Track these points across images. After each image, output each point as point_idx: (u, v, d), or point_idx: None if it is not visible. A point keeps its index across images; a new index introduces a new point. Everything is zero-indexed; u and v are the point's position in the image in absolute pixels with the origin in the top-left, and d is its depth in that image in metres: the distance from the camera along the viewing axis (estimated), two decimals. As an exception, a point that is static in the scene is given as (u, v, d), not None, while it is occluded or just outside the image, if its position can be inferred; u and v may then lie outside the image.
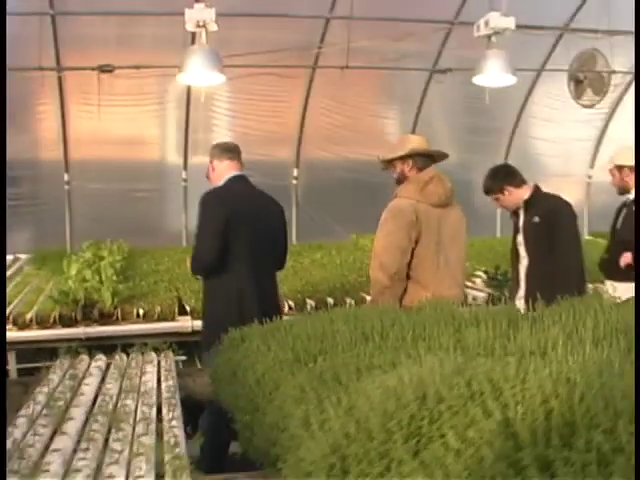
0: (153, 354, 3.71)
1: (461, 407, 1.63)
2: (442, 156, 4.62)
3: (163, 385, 3.09)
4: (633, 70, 9.43)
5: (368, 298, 5.79)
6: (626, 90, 10.26)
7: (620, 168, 5.64)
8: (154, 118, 9.39)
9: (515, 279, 5.41)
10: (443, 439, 1.56)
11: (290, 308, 5.66)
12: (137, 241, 8.22)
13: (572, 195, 8.70)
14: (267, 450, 2.23)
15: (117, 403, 2.82)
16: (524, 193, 5.19)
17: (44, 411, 2.70)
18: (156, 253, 7.68)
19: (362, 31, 8.32)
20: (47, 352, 5.32)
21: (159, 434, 2.44)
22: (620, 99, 10.38)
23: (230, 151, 4.60)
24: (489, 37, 6.99)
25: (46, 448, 2.29)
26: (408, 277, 4.33)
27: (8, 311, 5.32)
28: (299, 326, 3.17)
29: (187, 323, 5.25)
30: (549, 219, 5.05)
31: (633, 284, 5.20)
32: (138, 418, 2.58)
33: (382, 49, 8.72)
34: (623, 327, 2.54)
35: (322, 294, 5.88)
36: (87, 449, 2.24)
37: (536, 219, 5.12)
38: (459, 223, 4.55)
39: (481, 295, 6.00)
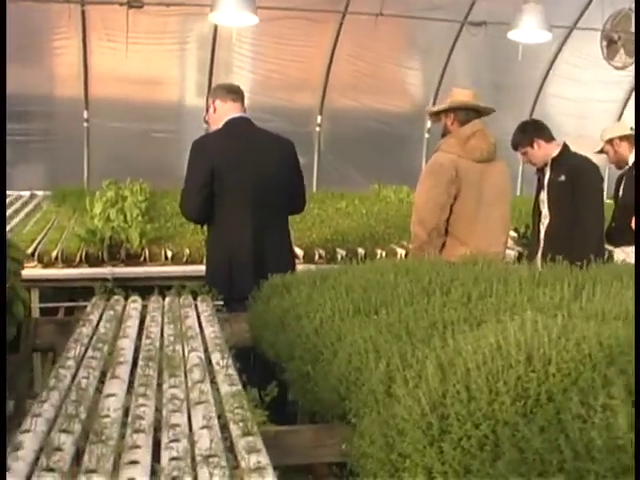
0: (190, 298, 3.60)
1: (572, 370, 1.54)
2: (487, 110, 4.52)
3: (207, 331, 2.98)
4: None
5: (399, 250, 5.71)
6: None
7: (610, 142, 5.70)
8: (176, 58, 9.23)
9: (536, 237, 5.43)
10: (553, 402, 1.47)
11: (320, 257, 5.56)
12: (154, 182, 8.10)
13: (594, 158, 8.60)
14: (334, 403, 2.15)
15: (163, 347, 2.72)
16: (553, 149, 5.19)
17: (90, 353, 2.60)
18: (177, 195, 7.53)
19: (395, -22, 8.16)
20: (67, 292, 5.24)
21: (214, 382, 2.33)
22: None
23: (234, 92, 4.41)
24: (526, -9, 6.85)
25: (98, 391, 2.20)
26: (446, 232, 4.27)
27: (32, 248, 5.24)
28: (348, 276, 3.09)
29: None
30: (575, 179, 5.05)
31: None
32: (189, 364, 2.47)
33: (414, -2, 8.57)
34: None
35: (352, 244, 5.78)
36: (144, 395, 2.14)
37: (562, 178, 5.11)
38: (503, 179, 4.48)
39: (511, 253, 5.90)
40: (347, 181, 9.40)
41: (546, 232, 5.27)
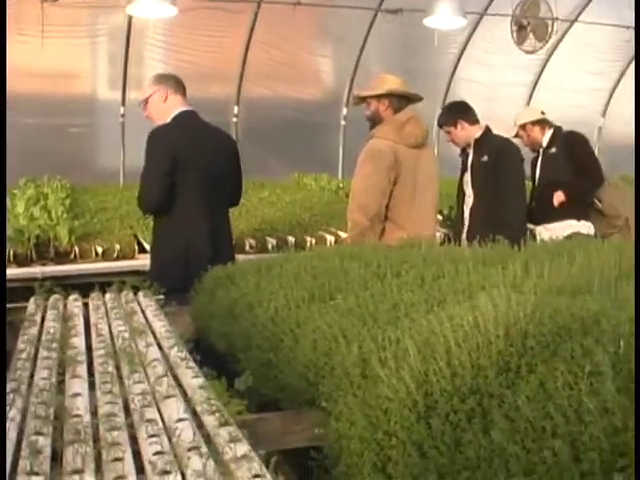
0: (131, 293, 3.57)
1: (550, 342, 1.60)
2: (417, 98, 4.61)
3: (156, 325, 2.95)
4: (573, 18, 9.58)
5: (328, 237, 5.76)
6: (563, 37, 10.36)
7: (524, 127, 5.94)
8: (89, 52, 9.02)
9: (460, 218, 5.56)
10: (534, 373, 1.53)
11: (251, 247, 5.57)
12: (71, 177, 7.92)
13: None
14: (302, 389, 2.17)
15: (116, 344, 2.68)
16: (475, 131, 5.35)
17: (43, 353, 2.56)
18: (98, 190, 7.42)
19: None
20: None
21: (175, 375, 2.32)
22: (557, 46, 10.47)
23: (183, 86, 4.44)
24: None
25: (61, 391, 2.16)
26: (385, 218, 4.33)
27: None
28: (293, 264, 3.11)
29: (148, 262, 5.06)
30: (497, 159, 5.23)
31: (568, 222, 5.48)
32: (148, 359, 2.45)
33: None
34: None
35: (281, 233, 5.81)
36: (111, 392, 2.11)
37: (485, 158, 5.28)
38: (433, 165, 4.58)
39: (438, 235, 6.01)
40: (266, 170, 9.36)
41: (470, 212, 5.41)
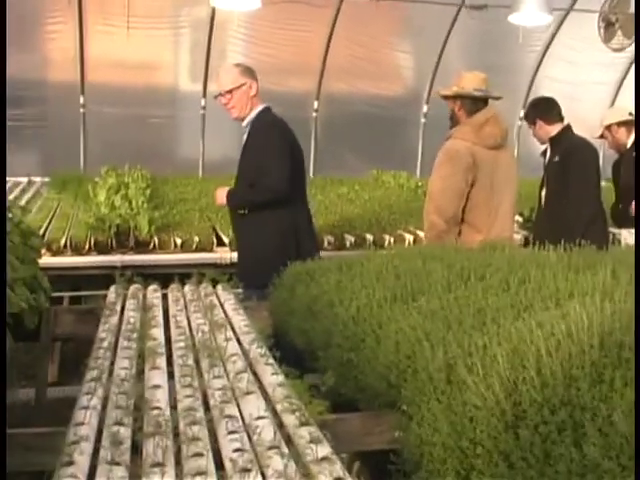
0: (210, 286, 3.58)
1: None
2: (494, 97, 4.50)
3: (234, 319, 2.95)
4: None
5: (407, 236, 5.69)
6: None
7: (609, 128, 5.77)
8: (172, 43, 9.12)
9: (537, 220, 5.42)
10: (629, 387, 1.46)
11: (329, 243, 5.53)
12: (151, 168, 8.00)
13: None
14: (382, 391, 2.13)
15: (195, 337, 2.68)
16: (553, 130, 5.18)
17: (123, 343, 2.57)
18: (178, 182, 7.49)
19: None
20: (69, 281, 5.14)
21: (254, 371, 2.30)
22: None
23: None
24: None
25: (141, 382, 2.16)
26: (462, 220, 4.25)
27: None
28: (374, 263, 3.07)
29: (226, 254, 5.11)
30: (567, 159, 5.05)
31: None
32: (227, 354, 2.44)
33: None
34: None
35: (359, 230, 5.76)
36: (190, 386, 2.11)
37: (556, 158, 5.14)
38: (512, 166, 4.48)
39: (517, 237, 5.89)
40: (344, 166, 9.34)
41: (544, 213, 5.29)
